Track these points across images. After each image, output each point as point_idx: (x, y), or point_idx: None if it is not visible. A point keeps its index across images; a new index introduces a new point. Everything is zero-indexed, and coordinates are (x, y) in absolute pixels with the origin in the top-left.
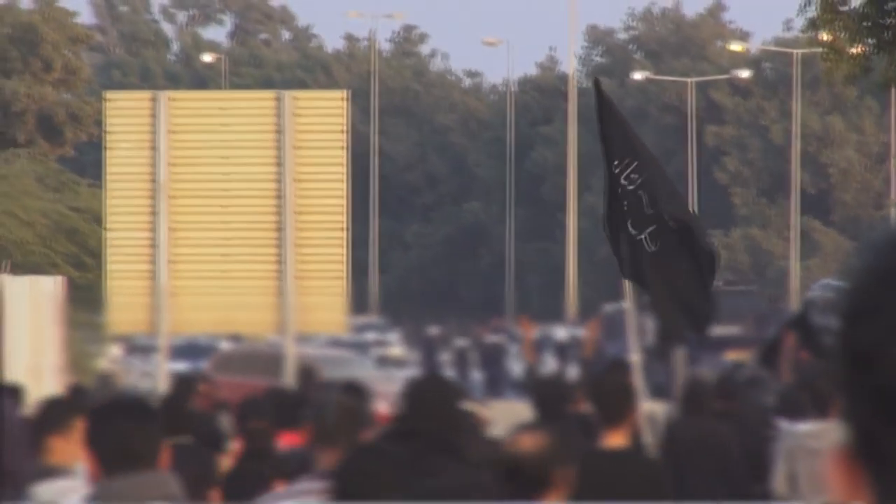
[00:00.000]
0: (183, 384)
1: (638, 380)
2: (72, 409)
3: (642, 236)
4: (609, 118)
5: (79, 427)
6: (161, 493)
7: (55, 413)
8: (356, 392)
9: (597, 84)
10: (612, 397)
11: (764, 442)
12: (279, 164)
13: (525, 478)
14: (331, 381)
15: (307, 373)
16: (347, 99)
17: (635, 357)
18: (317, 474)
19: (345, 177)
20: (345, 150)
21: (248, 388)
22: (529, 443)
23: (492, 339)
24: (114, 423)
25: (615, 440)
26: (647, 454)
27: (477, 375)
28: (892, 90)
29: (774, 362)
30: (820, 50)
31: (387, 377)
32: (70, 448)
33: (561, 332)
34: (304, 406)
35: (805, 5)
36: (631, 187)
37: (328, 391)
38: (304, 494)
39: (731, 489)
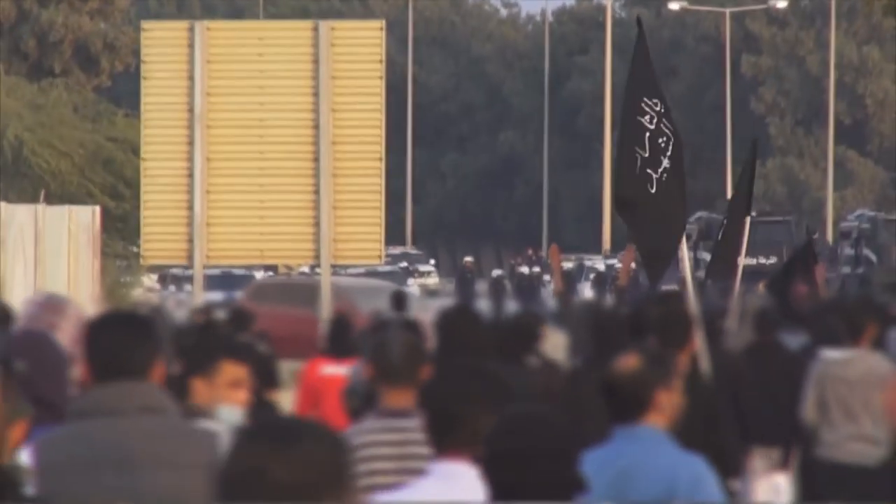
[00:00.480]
0: (239, 315)
1: (694, 307)
2: (216, 352)
3: (651, 172)
4: (643, 60)
5: (223, 370)
6: (143, 402)
7: (199, 356)
8: (414, 328)
9: (639, 23)
10: (675, 325)
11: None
12: (316, 94)
13: (624, 399)
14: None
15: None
16: (384, 29)
17: (689, 285)
18: (383, 412)
19: (382, 107)
20: (382, 81)
21: (284, 318)
22: (626, 365)
23: (526, 269)
24: (107, 333)
25: (679, 366)
26: (706, 380)
27: (512, 305)
28: None
29: (784, 292)
30: None
31: (423, 307)
32: (213, 391)
33: (597, 262)
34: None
35: None
36: (653, 127)
37: (391, 329)
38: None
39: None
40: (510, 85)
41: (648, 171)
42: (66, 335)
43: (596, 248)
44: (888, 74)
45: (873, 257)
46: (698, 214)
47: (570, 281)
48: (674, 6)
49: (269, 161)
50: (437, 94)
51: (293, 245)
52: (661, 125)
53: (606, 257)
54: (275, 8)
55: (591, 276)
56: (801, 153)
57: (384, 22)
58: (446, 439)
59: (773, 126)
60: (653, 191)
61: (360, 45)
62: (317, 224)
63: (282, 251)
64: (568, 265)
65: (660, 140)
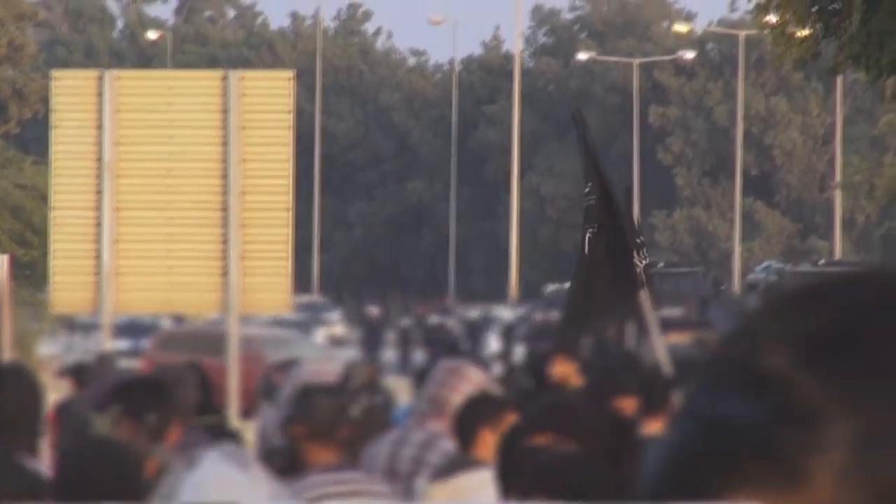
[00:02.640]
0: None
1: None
2: (503, 404)
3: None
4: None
5: (508, 421)
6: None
7: (489, 406)
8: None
9: (574, 118)
10: (654, 388)
11: None
12: (224, 143)
13: None
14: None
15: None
16: (293, 79)
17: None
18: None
19: (290, 157)
20: (291, 131)
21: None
22: None
23: (434, 318)
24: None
25: (654, 428)
26: None
27: (420, 355)
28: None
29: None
30: (766, 31)
31: (329, 357)
32: (494, 441)
33: (505, 313)
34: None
35: None
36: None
37: (314, 392)
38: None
39: None
40: (418, 134)
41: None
42: None
43: (502, 297)
44: (796, 125)
45: None
46: None
47: (476, 331)
48: (582, 56)
49: (177, 211)
50: (346, 143)
51: (201, 295)
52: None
53: (514, 306)
54: (183, 56)
55: (498, 327)
56: (708, 204)
57: (293, 72)
58: None
59: (681, 176)
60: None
61: (270, 94)
62: (225, 274)
63: (190, 301)
64: (474, 314)
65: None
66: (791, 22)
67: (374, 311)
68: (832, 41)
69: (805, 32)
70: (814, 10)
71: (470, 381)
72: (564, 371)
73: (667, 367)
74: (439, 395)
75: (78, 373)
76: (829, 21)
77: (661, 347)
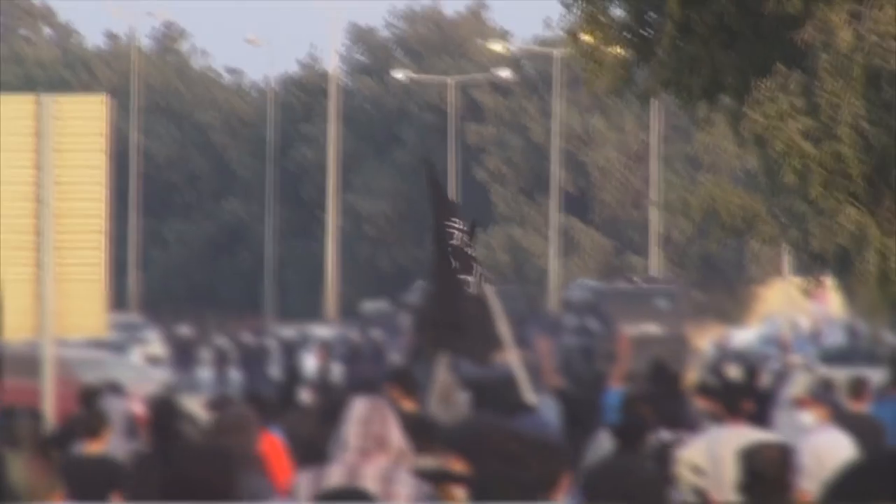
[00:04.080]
0: None
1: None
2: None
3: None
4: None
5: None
6: None
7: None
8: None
9: (426, 166)
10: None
11: None
12: (38, 167)
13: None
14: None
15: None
16: (106, 103)
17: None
18: None
19: (104, 180)
20: (104, 154)
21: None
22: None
23: (250, 338)
24: None
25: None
26: None
27: (235, 374)
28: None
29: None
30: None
31: (144, 378)
32: None
33: (322, 331)
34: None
35: (566, 13)
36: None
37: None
38: None
39: None
40: (235, 153)
41: (462, 276)
42: None
43: (320, 316)
44: (612, 144)
45: (597, 328)
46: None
47: (293, 350)
48: (398, 75)
49: None
50: (163, 162)
51: (16, 319)
52: (464, 238)
53: (331, 324)
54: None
55: (314, 345)
56: (524, 221)
57: (106, 96)
58: None
59: (497, 194)
60: (472, 290)
61: (83, 118)
62: (40, 297)
63: (4, 325)
64: (291, 333)
65: (466, 250)
66: (601, 45)
67: (186, 330)
68: (644, 66)
69: (616, 52)
70: (624, 34)
71: (392, 415)
72: (394, 396)
73: (523, 379)
74: (378, 433)
75: None
76: (640, 46)
77: (517, 361)
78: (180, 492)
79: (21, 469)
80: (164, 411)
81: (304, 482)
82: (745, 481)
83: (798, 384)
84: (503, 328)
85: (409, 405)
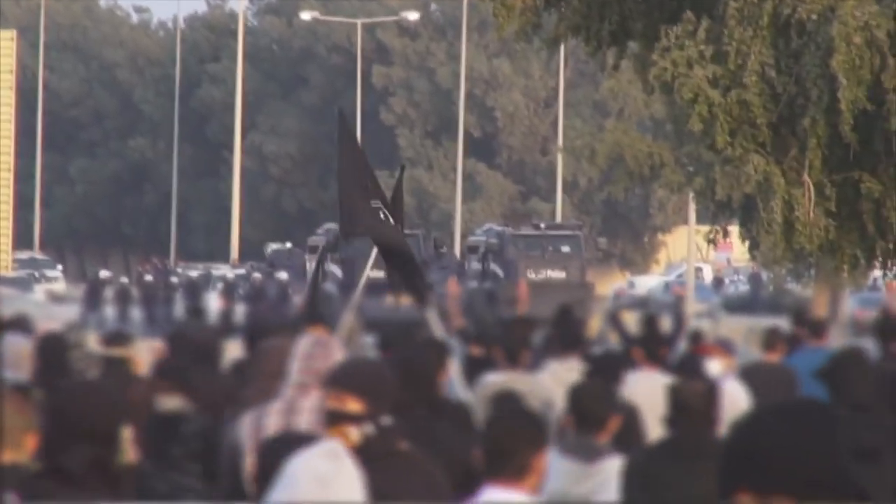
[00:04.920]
0: None
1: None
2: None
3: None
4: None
5: None
6: None
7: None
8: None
9: (339, 114)
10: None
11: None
12: None
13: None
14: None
15: None
16: (15, 39)
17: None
18: None
19: (12, 117)
20: (12, 91)
21: None
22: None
23: (153, 276)
24: None
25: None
26: None
27: (137, 312)
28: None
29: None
30: None
31: (48, 314)
32: None
33: (226, 271)
34: None
35: None
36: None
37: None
38: None
39: None
40: (141, 92)
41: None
42: None
43: (224, 256)
44: (518, 88)
45: (500, 272)
46: (327, 226)
47: (195, 290)
48: (305, 17)
49: None
50: (68, 100)
51: None
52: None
53: (234, 266)
54: None
55: (219, 285)
56: (430, 165)
57: (15, 32)
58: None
59: (403, 137)
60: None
61: None
62: None
63: None
64: (195, 273)
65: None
66: None
67: (97, 268)
68: (553, 11)
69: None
70: None
71: (336, 353)
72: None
73: (435, 321)
74: (319, 368)
75: None
76: None
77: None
78: (57, 431)
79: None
80: (51, 346)
81: (247, 422)
82: (671, 415)
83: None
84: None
85: None
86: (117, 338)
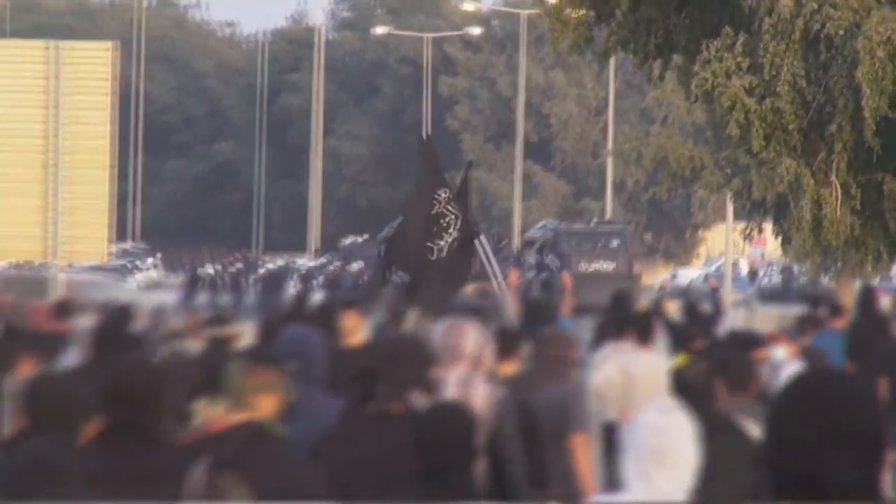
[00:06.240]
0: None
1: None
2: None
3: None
4: (430, 161)
5: None
6: None
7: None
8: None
9: (421, 139)
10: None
11: None
12: (48, 108)
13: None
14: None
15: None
16: (113, 50)
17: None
18: None
19: (108, 121)
20: (109, 97)
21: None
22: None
23: (237, 267)
24: None
25: (508, 370)
26: None
27: (225, 298)
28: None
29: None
30: (543, 15)
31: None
32: None
33: (307, 261)
34: None
35: None
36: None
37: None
38: None
39: None
40: (228, 99)
41: (429, 244)
42: None
43: (303, 250)
44: (572, 97)
45: (555, 264)
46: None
47: (278, 279)
48: (378, 31)
49: (5, 168)
50: (162, 106)
51: (28, 244)
52: (446, 209)
53: (315, 256)
54: (17, 23)
55: (297, 276)
56: (491, 167)
57: (113, 44)
58: None
59: (466, 142)
60: (433, 258)
61: (91, 63)
62: (52, 225)
63: (17, 249)
64: (279, 264)
65: (442, 221)
66: (566, 6)
67: (187, 259)
68: (604, 27)
69: (578, 15)
70: None
71: (471, 330)
72: (352, 324)
73: (507, 302)
74: (453, 344)
75: None
76: (600, 8)
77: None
78: (108, 405)
79: None
80: (113, 320)
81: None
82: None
83: (736, 319)
84: (493, 264)
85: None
86: (218, 320)
